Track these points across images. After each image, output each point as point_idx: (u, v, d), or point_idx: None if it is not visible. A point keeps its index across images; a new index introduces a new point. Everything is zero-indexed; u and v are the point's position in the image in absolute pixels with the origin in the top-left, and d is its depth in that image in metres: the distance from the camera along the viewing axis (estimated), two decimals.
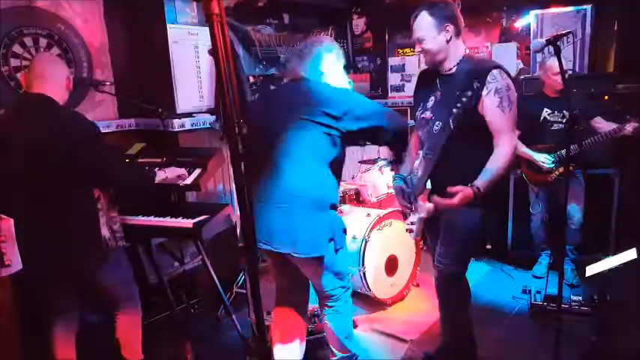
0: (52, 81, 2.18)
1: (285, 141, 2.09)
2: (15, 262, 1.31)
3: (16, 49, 3.06)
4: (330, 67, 2.24)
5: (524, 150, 3.57)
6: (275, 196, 2.08)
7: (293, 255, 2.11)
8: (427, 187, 2.12)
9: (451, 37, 2.13)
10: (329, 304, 2.37)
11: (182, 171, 2.78)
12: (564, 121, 3.48)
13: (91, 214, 2.24)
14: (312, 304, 2.65)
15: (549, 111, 3.53)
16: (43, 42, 3.18)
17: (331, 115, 2.06)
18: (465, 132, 2.00)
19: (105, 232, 2.28)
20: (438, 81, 2.23)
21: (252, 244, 1.12)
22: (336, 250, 2.21)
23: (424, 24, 2.12)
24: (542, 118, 3.54)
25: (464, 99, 1.96)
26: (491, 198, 2.07)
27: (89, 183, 2.24)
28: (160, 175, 2.62)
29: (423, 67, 2.39)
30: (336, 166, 2.22)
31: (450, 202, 1.91)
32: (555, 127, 3.52)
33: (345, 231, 2.28)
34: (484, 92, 2.04)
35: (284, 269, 2.36)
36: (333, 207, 2.22)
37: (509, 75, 2.11)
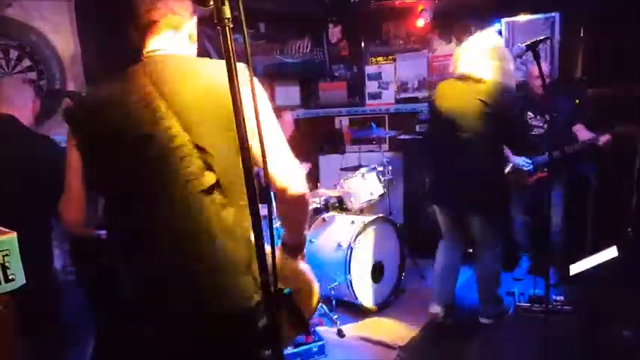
0: (17, 104, 2.19)
1: None
2: (19, 277, 1.27)
3: None
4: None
5: (507, 152, 3.62)
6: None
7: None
8: None
9: None
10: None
11: None
12: (545, 126, 3.53)
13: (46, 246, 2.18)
14: None
15: (531, 115, 3.57)
16: (13, 54, 3.07)
17: None
18: None
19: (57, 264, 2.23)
20: None
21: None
22: None
23: None
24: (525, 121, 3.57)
25: None
26: None
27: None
28: None
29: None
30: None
31: None
32: (536, 131, 3.56)
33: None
34: None
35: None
36: None
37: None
